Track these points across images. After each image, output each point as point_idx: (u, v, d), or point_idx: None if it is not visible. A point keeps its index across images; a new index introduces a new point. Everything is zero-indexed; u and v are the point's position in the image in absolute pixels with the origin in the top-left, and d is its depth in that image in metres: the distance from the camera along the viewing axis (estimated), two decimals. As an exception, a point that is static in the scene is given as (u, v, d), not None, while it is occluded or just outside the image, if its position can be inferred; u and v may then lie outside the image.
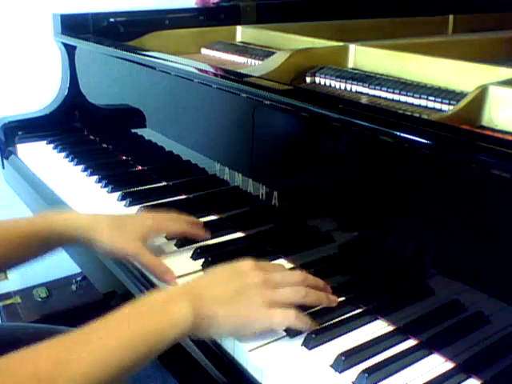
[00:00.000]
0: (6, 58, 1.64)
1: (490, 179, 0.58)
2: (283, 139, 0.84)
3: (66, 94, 1.40)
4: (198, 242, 0.87)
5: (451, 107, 0.80)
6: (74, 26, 1.33)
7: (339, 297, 0.72)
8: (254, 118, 0.86)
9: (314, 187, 0.80)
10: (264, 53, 1.16)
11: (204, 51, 1.33)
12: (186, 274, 0.79)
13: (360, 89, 0.93)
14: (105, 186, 1.09)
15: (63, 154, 1.28)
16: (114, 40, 1.26)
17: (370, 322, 0.69)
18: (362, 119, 0.69)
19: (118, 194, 1.05)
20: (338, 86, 0.97)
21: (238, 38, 1.39)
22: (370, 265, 0.74)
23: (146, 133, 1.19)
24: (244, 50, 1.23)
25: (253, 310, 0.64)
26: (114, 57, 1.19)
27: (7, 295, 1.74)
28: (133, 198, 1.02)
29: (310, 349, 0.64)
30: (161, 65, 1.04)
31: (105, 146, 1.33)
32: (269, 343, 0.65)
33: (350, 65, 1.05)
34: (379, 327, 0.68)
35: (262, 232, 0.89)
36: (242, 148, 0.91)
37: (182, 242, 0.87)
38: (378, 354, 0.63)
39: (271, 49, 1.19)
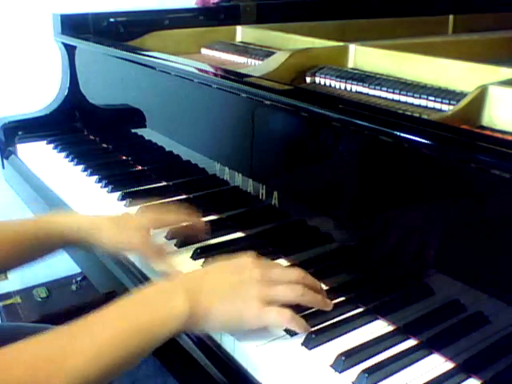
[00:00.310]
0: (6, 57, 1.64)
1: (489, 179, 0.58)
2: (283, 139, 0.84)
3: (66, 93, 1.40)
4: (198, 241, 0.87)
5: (451, 107, 0.80)
6: (74, 26, 1.33)
7: (339, 297, 0.72)
8: (254, 118, 0.86)
9: (314, 187, 0.80)
10: (264, 53, 1.16)
11: (204, 51, 1.33)
12: (186, 274, 0.79)
13: (360, 89, 0.93)
14: (105, 186, 1.09)
15: (63, 154, 1.28)
16: (114, 40, 1.26)
17: (370, 321, 0.69)
18: (361, 119, 0.69)
19: (118, 193, 1.05)
20: (337, 86, 0.97)
21: (238, 38, 1.39)
22: (370, 265, 0.74)
23: (146, 133, 1.18)
24: (244, 50, 1.23)
25: (248, 304, 0.63)
26: (114, 57, 1.19)
27: (7, 295, 1.74)
28: (133, 198, 1.02)
29: (310, 349, 0.64)
30: (161, 65, 1.04)
31: (105, 145, 1.33)
32: (269, 343, 0.65)
33: (350, 65, 1.05)
34: (379, 327, 0.68)
35: (262, 232, 0.89)
36: (242, 148, 0.91)
37: (182, 242, 0.87)
38: (378, 353, 0.63)
39: (271, 49, 1.19)
